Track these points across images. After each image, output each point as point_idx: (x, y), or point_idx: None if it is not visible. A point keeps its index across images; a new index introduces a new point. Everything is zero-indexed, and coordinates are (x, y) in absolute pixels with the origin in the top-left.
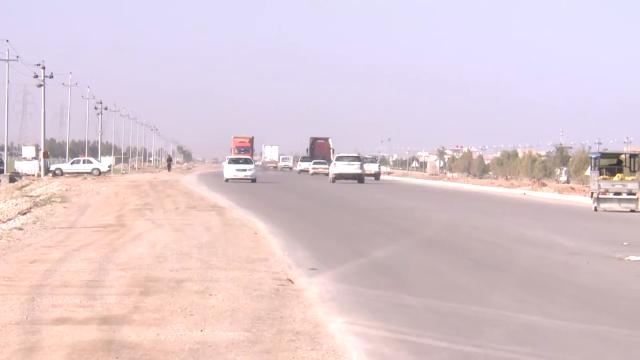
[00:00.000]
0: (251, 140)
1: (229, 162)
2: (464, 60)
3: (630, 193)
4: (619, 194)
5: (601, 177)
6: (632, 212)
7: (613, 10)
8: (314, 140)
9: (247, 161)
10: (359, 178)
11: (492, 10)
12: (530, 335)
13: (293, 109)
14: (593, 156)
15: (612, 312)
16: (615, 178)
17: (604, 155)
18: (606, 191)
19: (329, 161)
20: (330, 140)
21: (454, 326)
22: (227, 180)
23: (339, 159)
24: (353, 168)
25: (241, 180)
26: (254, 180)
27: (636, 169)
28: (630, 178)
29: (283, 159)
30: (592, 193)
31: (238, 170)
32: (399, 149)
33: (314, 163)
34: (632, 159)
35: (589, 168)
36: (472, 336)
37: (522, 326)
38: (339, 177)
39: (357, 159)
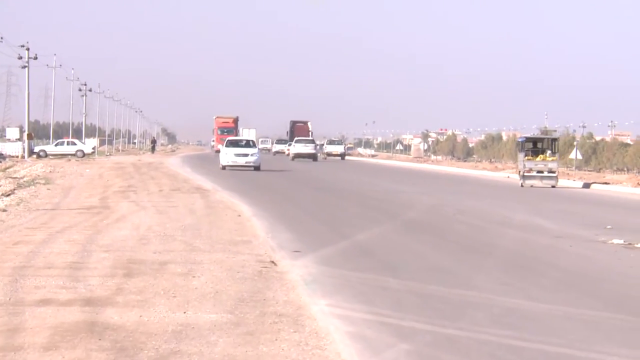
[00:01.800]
0: (235, 120)
1: (226, 145)
2: (449, 42)
3: (550, 171)
4: (541, 172)
5: (526, 157)
6: (552, 187)
7: None
8: (294, 124)
9: (249, 144)
10: (313, 157)
11: None
12: (513, 318)
13: (277, 92)
14: (520, 140)
15: (596, 295)
16: (538, 159)
17: (529, 139)
18: (530, 170)
19: None
20: (309, 123)
21: (437, 309)
22: (223, 167)
23: (297, 141)
24: (308, 149)
25: (242, 168)
26: (257, 168)
27: (556, 151)
28: (550, 159)
29: (262, 141)
30: (519, 171)
31: (238, 155)
32: (384, 131)
33: (288, 145)
34: (553, 143)
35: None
36: (455, 319)
37: (505, 309)
38: (297, 156)
39: (312, 142)
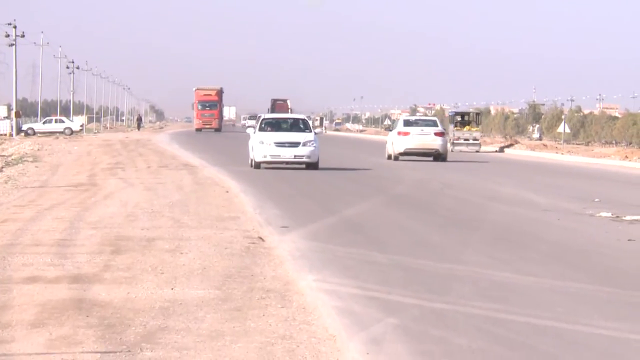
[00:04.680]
0: (219, 92)
1: (261, 128)
2: (437, 16)
3: (474, 139)
4: (467, 140)
5: (455, 128)
6: (477, 152)
7: None
8: (274, 101)
9: (298, 125)
10: None
11: None
12: (501, 292)
13: (266, 67)
14: (450, 114)
15: (583, 269)
16: (465, 129)
17: (457, 113)
18: (458, 138)
19: None
20: (288, 101)
21: (424, 283)
22: (257, 165)
23: (258, 117)
24: None
25: (289, 165)
26: (313, 166)
27: (480, 122)
28: (475, 129)
29: (243, 117)
30: (450, 139)
31: (281, 144)
32: (372, 107)
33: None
34: (477, 116)
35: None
36: (442, 293)
37: (493, 283)
38: None
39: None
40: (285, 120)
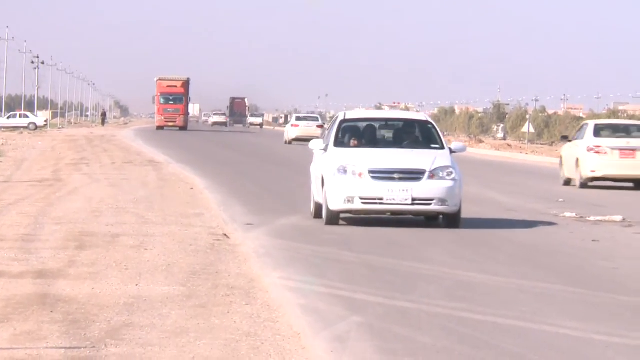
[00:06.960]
0: (185, 84)
1: (337, 141)
2: (402, 14)
3: None
4: None
5: None
6: None
7: None
8: (233, 100)
9: (411, 133)
10: (225, 124)
11: None
12: (466, 292)
13: (230, 63)
14: None
15: (548, 268)
16: None
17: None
18: None
19: (243, 117)
20: (246, 99)
21: (389, 282)
22: (331, 218)
23: (215, 114)
24: (222, 119)
25: (398, 216)
26: (451, 220)
27: None
28: None
29: (205, 115)
30: None
31: (386, 175)
32: (337, 105)
33: (215, 115)
34: None
35: None
36: (407, 292)
37: (458, 282)
38: (214, 124)
39: (224, 114)
40: (386, 123)
